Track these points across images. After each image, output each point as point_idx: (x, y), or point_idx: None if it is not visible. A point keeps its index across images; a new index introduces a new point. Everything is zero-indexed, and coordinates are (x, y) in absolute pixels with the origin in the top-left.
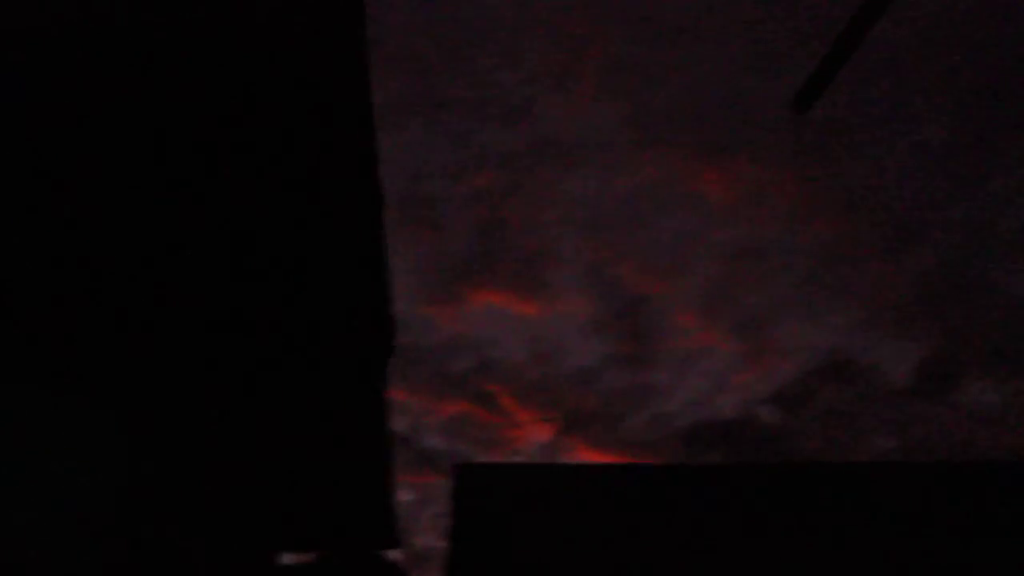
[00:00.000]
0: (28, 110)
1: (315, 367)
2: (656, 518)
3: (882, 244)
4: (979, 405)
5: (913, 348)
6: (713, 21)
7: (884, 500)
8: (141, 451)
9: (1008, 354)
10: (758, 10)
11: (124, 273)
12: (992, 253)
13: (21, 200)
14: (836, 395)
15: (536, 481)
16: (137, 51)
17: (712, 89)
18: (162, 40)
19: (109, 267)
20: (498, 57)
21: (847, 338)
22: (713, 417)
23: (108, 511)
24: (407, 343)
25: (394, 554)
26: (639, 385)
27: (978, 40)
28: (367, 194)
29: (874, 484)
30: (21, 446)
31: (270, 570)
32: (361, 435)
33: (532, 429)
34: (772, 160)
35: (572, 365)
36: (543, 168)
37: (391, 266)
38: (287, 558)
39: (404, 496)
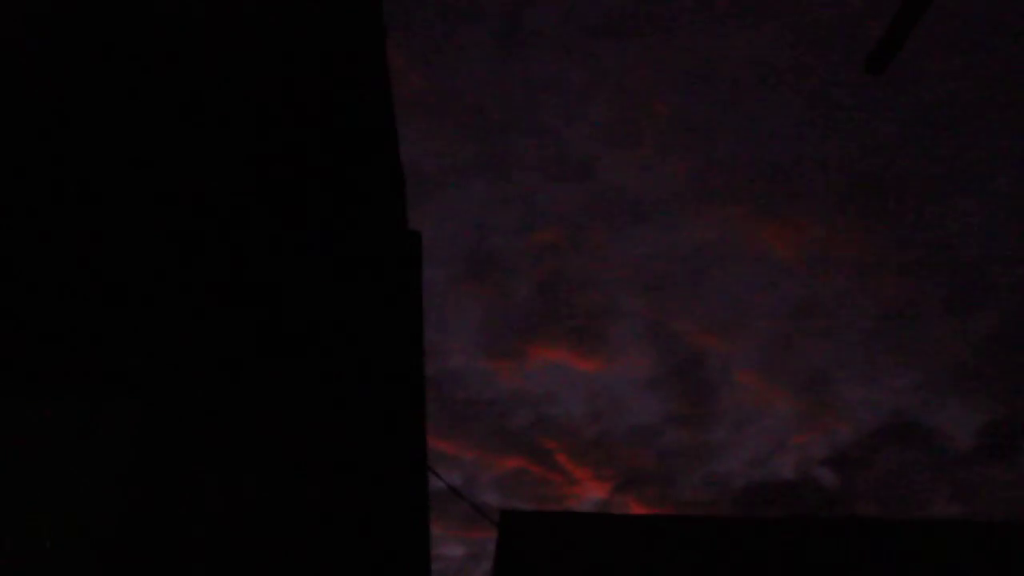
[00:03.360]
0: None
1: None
2: (701, 570)
3: (945, 304)
4: None
5: (976, 411)
6: (779, 78)
7: (944, 560)
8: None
9: None
10: (826, 66)
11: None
12: None
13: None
14: (897, 457)
15: (581, 530)
16: None
17: (774, 146)
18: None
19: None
20: (562, 114)
21: (909, 399)
22: (770, 477)
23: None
24: (466, 397)
25: None
26: (696, 443)
27: None
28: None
29: (934, 543)
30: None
31: None
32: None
33: (588, 486)
34: (834, 217)
35: (630, 422)
36: (605, 224)
37: (451, 322)
38: None
39: (456, 550)
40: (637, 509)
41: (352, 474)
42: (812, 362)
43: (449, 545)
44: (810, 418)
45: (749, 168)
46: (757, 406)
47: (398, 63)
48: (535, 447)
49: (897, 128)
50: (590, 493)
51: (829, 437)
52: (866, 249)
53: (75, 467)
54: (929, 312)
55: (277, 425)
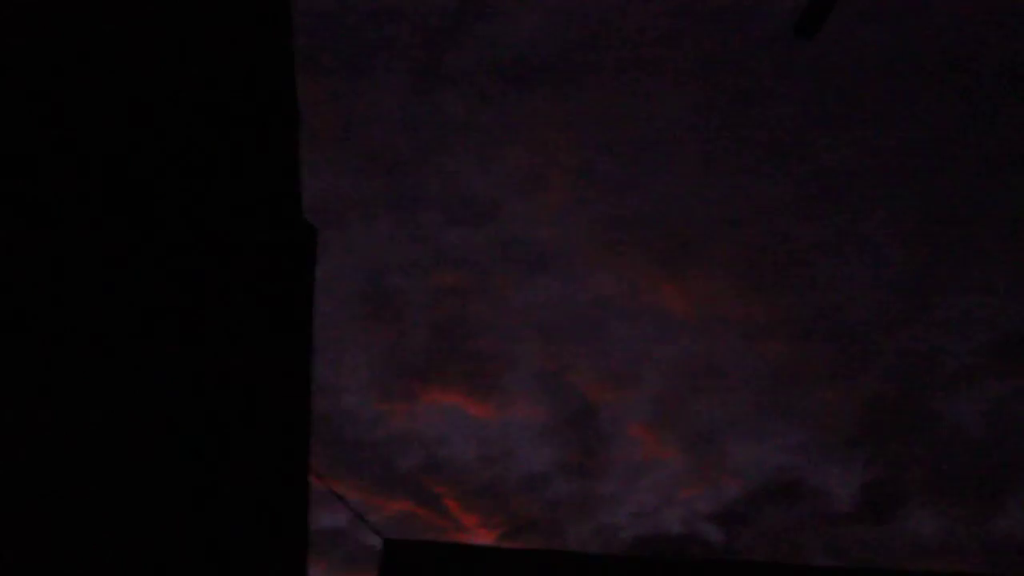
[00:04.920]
0: None
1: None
2: None
3: (831, 367)
4: (919, 532)
5: (858, 473)
6: (680, 137)
7: None
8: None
9: (948, 484)
10: (729, 126)
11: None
12: (939, 381)
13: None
14: (780, 515)
15: (471, 563)
16: None
17: (677, 202)
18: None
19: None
20: (470, 157)
21: (794, 458)
22: (657, 531)
23: None
24: (355, 438)
25: None
26: (586, 494)
27: (936, 164)
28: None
29: None
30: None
31: None
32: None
33: (475, 532)
34: (732, 277)
35: (520, 470)
36: (505, 270)
37: (345, 359)
38: None
39: None
40: None
41: (215, 474)
42: (702, 419)
43: None
44: (698, 473)
45: (650, 225)
46: (647, 460)
47: (311, 92)
48: (423, 490)
49: (791, 193)
50: (477, 539)
51: (716, 493)
52: (757, 310)
53: None
54: (816, 374)
55: (135, 417)
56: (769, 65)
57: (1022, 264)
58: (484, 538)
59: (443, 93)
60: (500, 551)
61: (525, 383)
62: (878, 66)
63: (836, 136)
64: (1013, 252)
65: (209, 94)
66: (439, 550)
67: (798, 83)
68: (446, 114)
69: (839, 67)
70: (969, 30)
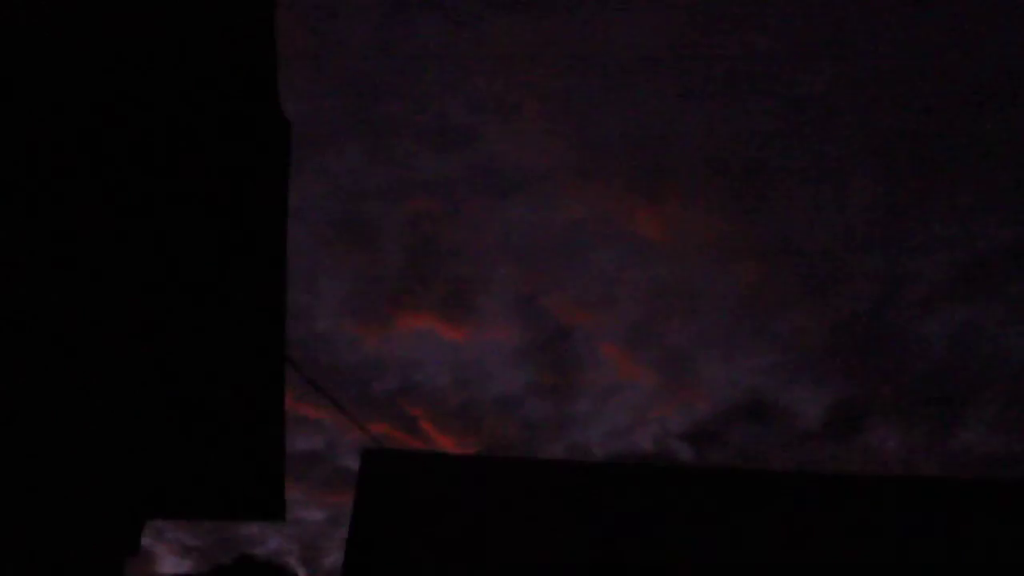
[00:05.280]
0: None
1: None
2: (560, 508)
3: (802, 290)
4: (882, 448)
5: (826, 392)
6: (658, 63)
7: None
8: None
9: (912, 402)
10: (703, 57)
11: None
12: (908, 303)
13: None
14: (750, 433)
15: (449, 470)
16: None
17: (652, 127)
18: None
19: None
20: (445, 84)
21: (764, 379)
22: (630, 450)
23: None
24: (330, 362)
25: (301, 571)
26: (560, 415)
27: (905, 93)
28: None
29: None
30: None
31: None
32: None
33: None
34: (701, 202)
35: (495, 392)
36: (480, 195)
37: (319, 285)
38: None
39: (315, 515)
40: None
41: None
42: (675, 341)
43: (309, 509)
44: (670, 394)
45: (624, 149)
46: (620, 380)
47: (283, 18)
48: (399, 413)
49: (764, 119)
50: None
51: (687, 412)
52: (730, 233)
53: None
54: (786, 296)
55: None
56: None
57: (990, 189)
58: None
59: (418, 18)
60: (474, 458)
61: (499, 307)
62: None
63: (810, 65)
64: (981, 177)
65: None
66: (415, 458)
67: (775, 12)
68: (420, 39)
69: None
70: None
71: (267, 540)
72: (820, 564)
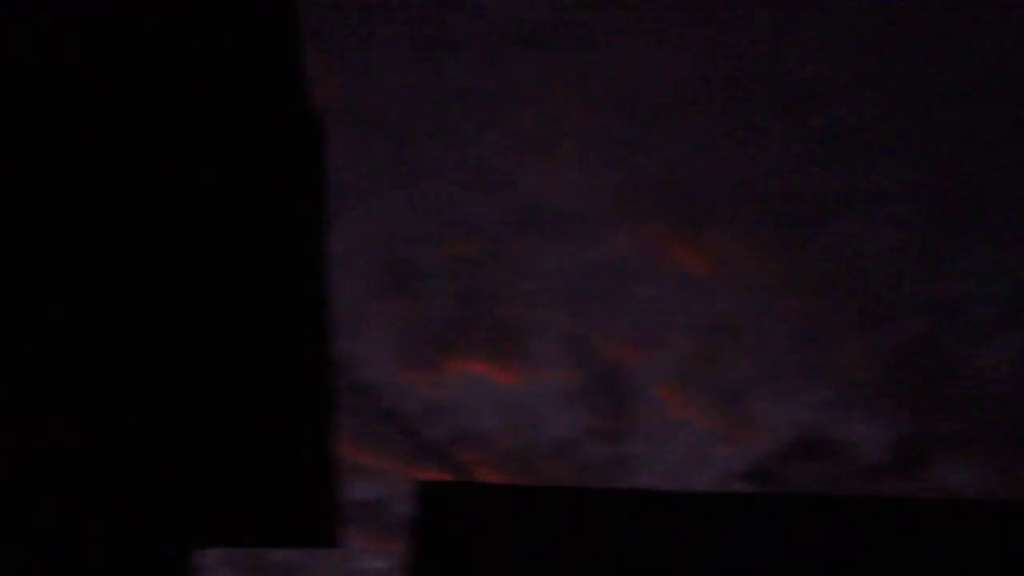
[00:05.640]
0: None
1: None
2: (641, 540)
3: (856, 322)
4: (949, 483)
5: (886, 426)
6: (693, 96)
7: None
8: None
9: (978, 434)
10: (738, 85)
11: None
12: (965, 332)
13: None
14: (809, 471)
15: (499, 501)
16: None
17: (691, 163)
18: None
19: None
20: (481, 125)
21: (821, 415)
22: (688, 490)
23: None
24: (382, 410)
25: None
26: (615, 456)
27: (950, 117)
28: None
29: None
30: None
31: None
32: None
33: None
34: (748, 235)
35: (549, 435)
36: (522, 238)
37: (367, 332)
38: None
39: (377, 564)
40: None
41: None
42: (727, 378)
43: (372, 559)
44: (726, 432)
45: (665, 186)
46: (675, 420)
47: (313, 67)
48: (454, 460)
49: (805, 149)
50: None
51: (745, 451)
52: (776, 267)
53: None
54: (839, 329)
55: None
56: (776, 22)
57: None
58: None
59: (448, 60)
60: (529, 489)
61: (549, 348)
62: (888, 20)
63: (847, 91)
64: None
65: None
66: (470, 490)
67: (813, 41)
68: (452, 81)
69: (847, 22)
70: None
71: None
72: None
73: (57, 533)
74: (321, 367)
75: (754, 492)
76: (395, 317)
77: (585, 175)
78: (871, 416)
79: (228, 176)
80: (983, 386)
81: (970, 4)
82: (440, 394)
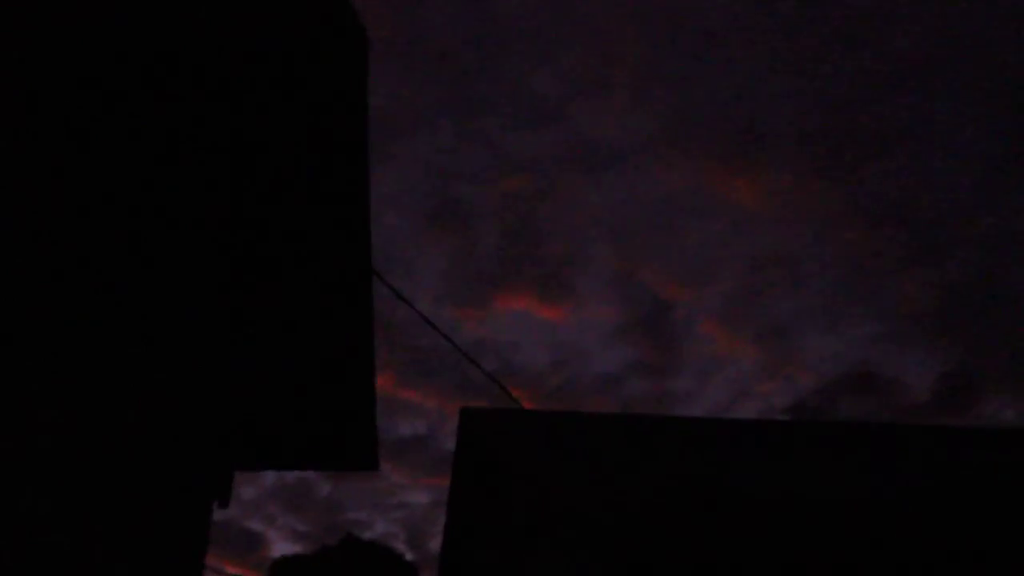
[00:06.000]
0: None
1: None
2: (660, 466)
3: (908, 255)
4: (997, 419)
5: (935, 361)
6: (746, 28)
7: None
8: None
9: None
10: (791, 16)
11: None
12: (1018, 266)
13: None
14: (857, 406)
15: (550, 427)
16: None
17: (745, 96)
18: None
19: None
20: (533, 60)
21: (869, 349)
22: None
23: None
24: (429, 346)
25: (407, 553)
26: (660, 392)
27: (1008, 51)
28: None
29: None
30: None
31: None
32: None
33: None
34: (803, 169)
35: (594, 371)
36: (573, 172)
37: (416, 269)
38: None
39: (420, 498)
40: None
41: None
42: (775, 313)
43: (414, 493)
44: (773, 367)
45: (718, 119)
46: (721, 356)
47: (370, 8)
48: (499, 396)
49: (862, 81)
50: None
51: (791, 386)
52: (830, 201)
53: None
54: (890, 263)
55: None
56: None
57: None
58: None
59: None
60: (572, 414)
61: (597, 285)
62: None
63: (908, 21)
64: None
65: None
66: (513, 416)
67: None
68: (504, 18)
69: None
70: None
71: (374, 524)
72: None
73: (97, 453)
74: (361, 289)
75: (799, 420)
76: (445, 253)
77: (638, 109)
78: (922, 351)
79: (273, 112)
80: None
81: None
82: (487, 330)
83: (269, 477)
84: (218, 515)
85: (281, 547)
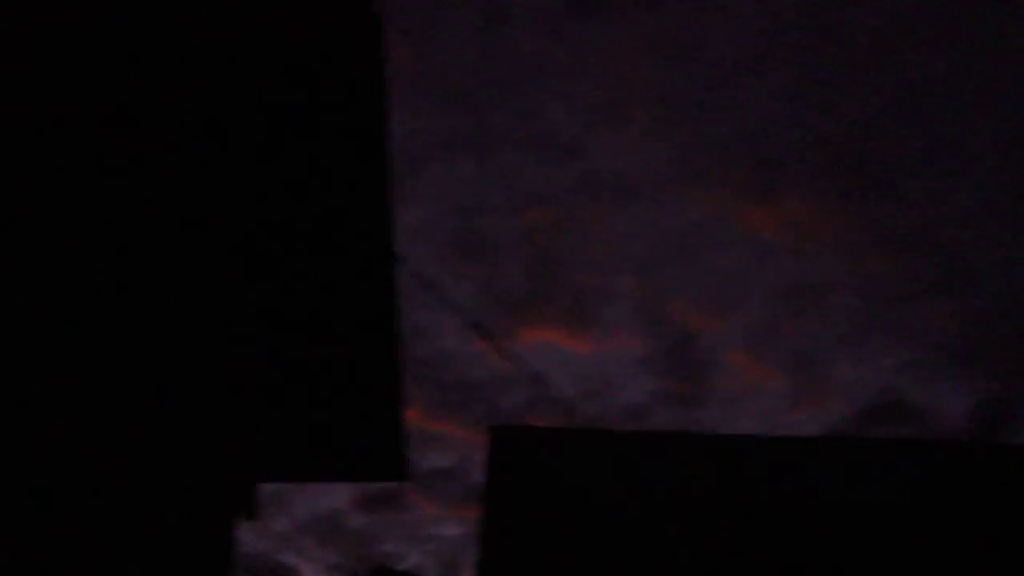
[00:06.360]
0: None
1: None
2: (713, 484)
3: (936, 284)
4: None
5: (967, 390)
6: (765, 57)
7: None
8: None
9: None
10: (811, 45)
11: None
12: None
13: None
14: (889, 436)
15: (572, 444)
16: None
17: (764, 124)
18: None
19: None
20: (549, 93)
21: (899, 378)
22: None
23: None
24: (456, 379)
25: None
26: (689, 423)
27: None
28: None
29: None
30: None
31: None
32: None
33: None
34: (824, 197)
35: (622, 402)
36: (593, 204)
37: (440, 301)
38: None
39: (452, 531)
40: None
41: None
42: (802, 342)
43: (446, 526)
44: (802, 397)
45: (736, 149)
46: (749, 386)
47: (386, 40)
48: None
49: (881, 105)
50: None
51: (821, 417)
52: (853, 229)
53: None
54: (918, 291)
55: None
56: None
57: None
58: None
59: (516, 29)
60: (600, 432)
61: (622, 315)
62: None
63: (927, 44)
64: None
65: None
66: (543, 434)
67: None
68: (520, 50)
69: None
70: None
71: (407, 556)
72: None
73: (117, 459)
74: (387, 303)
75: (831, 436)
76: (469, 286)
77: (656, 140)
78: (954, 379)
79: (296, 143)
80: None
81: None
82: (514, 362)
83: (300, 510)
84: (249, 546)
85: None
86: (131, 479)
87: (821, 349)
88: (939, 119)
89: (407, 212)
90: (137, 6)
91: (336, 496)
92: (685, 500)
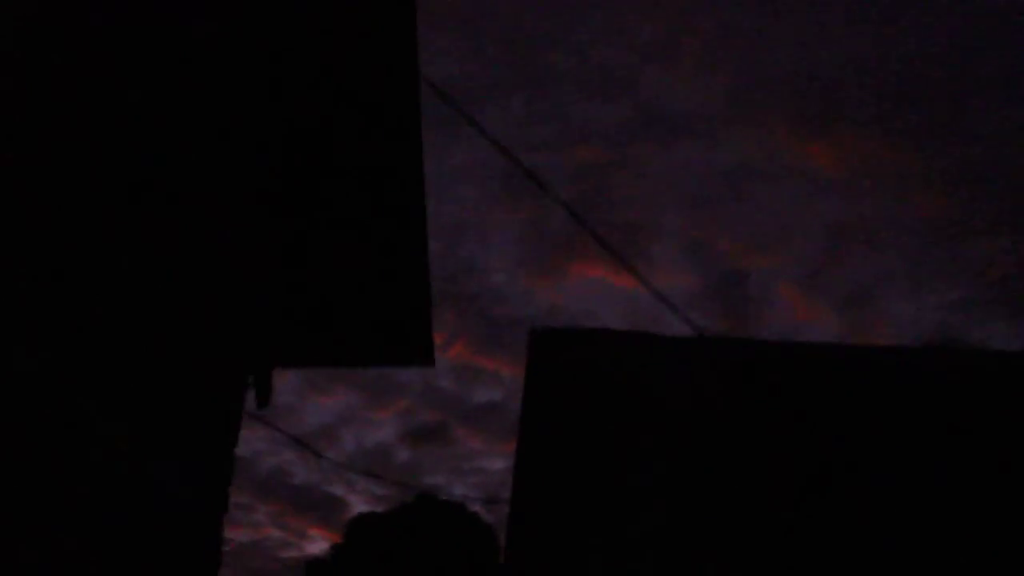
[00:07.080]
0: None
1: None
2: (749, 390)
3: (993, 216)
4: None
5: (1022, 329)
6: None
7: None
8: None
9: None
10: None
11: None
12: None
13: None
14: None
15: (622, 347)
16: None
17: (819, 57)
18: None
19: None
20: (601, 30)
21: (953, 315)
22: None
23: None
24: (504, 315)
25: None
26: None
27: None
28: None
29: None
30: None
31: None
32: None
33: None
34: (878, 132)
35: None
36: (645, 141)
37: (490, 239)
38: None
39: (496, 464)
40: None
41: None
42: (855, 278)
43: (490, 459)
44: (853, 334)
45: (791, 83)
46: (799, 323)
47: None
48: None
49: (943, 37)
50: None
51: None
52: (910, 162)
53: None
54: (975, 227)
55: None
56: None
57: None
58: None
59: None
60: (642, 335)
61: (671, 252)
62: None
63: None
64: None
65: None
66: (584, 336)
67: None
68: None
69: None
70: None
71: (451, 487)
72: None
73: (147, 340)
74: (414, 192)
75: (896, 346)
76: (518, 223)
77: (709, 75)
78: (1008, 316)
79: (331, 81)
80: None
81: None
82: (561, 298)
83: (349, 444)
84: (299, 479)
85: (362, 510)
86: (148, 355)
87: (873, 285)
88: (1003, 47)
89: (457, 148)
90: None
91: (384, 430)
92: (738, 403)
